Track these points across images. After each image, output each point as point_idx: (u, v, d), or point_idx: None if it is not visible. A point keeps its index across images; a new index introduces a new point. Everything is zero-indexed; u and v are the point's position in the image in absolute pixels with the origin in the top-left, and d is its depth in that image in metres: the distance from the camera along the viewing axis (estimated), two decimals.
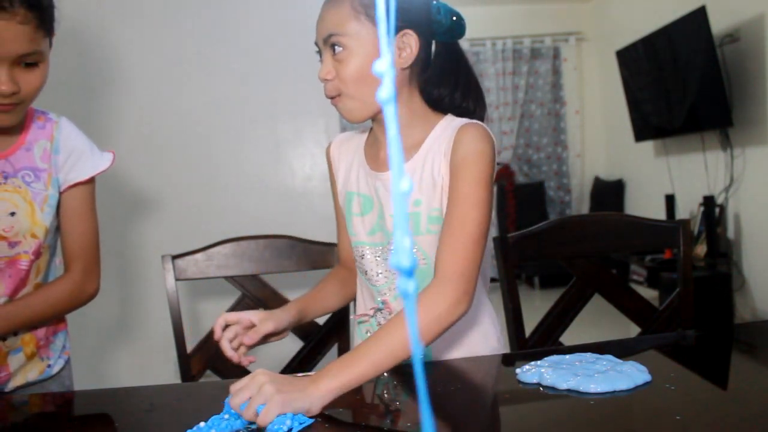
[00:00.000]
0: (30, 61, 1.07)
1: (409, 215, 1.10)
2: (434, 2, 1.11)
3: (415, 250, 1.13)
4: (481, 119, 1.15)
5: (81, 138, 1.24)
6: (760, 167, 3.82)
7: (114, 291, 2.36)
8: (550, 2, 5.97)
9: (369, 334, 1.20)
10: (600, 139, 6.16)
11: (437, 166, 1.09)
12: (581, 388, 0.89)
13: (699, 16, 3.83)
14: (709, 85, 3.88)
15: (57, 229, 1.25)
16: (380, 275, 1.17)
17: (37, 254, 1.20)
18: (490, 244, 1.24)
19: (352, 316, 1.28)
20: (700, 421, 0.81)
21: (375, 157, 1.19)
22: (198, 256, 1.47)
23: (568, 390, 0.90)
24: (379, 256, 1.17)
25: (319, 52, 1.11)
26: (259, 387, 0.85)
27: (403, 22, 1.05)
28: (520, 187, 6.10)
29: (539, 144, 6.19)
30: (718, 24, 3.90)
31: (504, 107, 5.99)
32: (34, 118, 1.21)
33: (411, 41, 1.06)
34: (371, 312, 1.19)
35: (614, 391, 0.88)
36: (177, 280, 1.44)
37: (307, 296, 1.22)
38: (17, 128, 1.18)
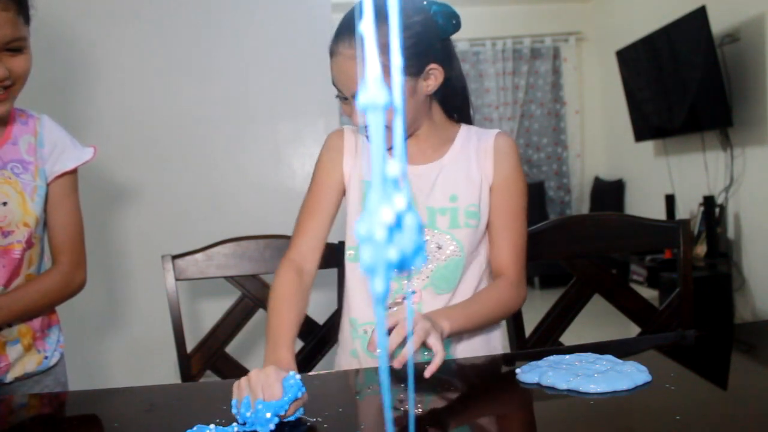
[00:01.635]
0: (14, 47, 1.11)
1: (447, 210, 1.19)
2: (435, 8, 1.15)
3: (450, 241, 1.19)
4: (468, 118, 1.29)
5: (62, 132, 1.28)
6: (760, 167, 3.82)
7: (113, 290, 2.36)
8: (550, 2, 5.97)
9: (367, 334, 1.21)
10: (600, 139, 6.16)
11: (474, 165, 1.21)
12: (581, 388, 0.89)
13: (699, 16, 3.83)
14: (709, 85, 3.88)
15: (45, 221, 1.28)
16: None
17: (29, 243, 1.23)
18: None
19: (352, 316, 1.25)
20: (700, 421, 0.81)
21: None
22: (198, 256, 1.47)
23: (568, 390, 0.90)
24: None
25: (342, 97, 1.16)
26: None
27: (426, 58, 1.13)
28: None
29: (539, 144, 6.18)
30: (718, 24, 3.90)
31: (504, 107, 5.99)
32: (16, 115, 1.25)
33: (436, 73, 1.15)
34: (400, 300, 1.20)
35: (614, 391, 0.88)
36: (177, 280, 1.44)
37: (286, 330, 1.08)
38: (2, 124, 1.22)
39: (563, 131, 6.20)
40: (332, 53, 1.14)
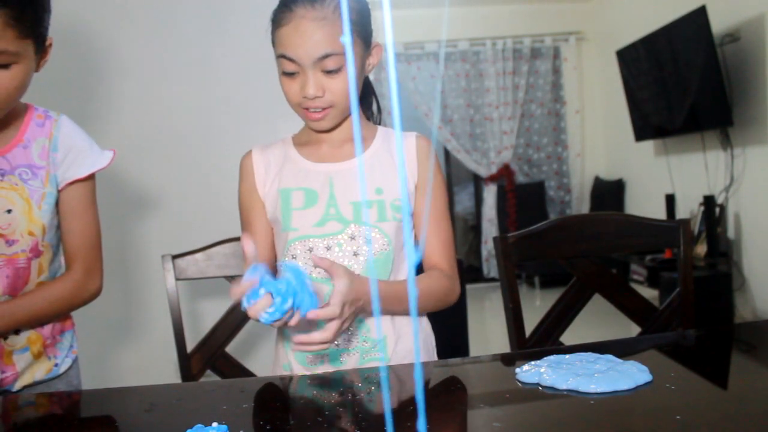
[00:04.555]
0: None
1: (373, 203, 1.17)
2: None
3: (378, 234, 1.17)
4: (380, 120, 1.31)
5: (80, 135, 1.22)
6: (760, 167, 3.82)
7: (115, 291, 2.37)
8: (550, 2, 5.97)
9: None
10: (600, 139, 6.16)
11: (395, 161, 1.20)
12: (581, 388, 0.89)
13: (699, 16, 3.83)
14: (709, 85, 3.88)
15: (59, 227, 1.24)
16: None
17: (36, 252, 1.19)
18: None
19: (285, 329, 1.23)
20: (700, 421, 0.81)
21: (315, 152, 1.23)
22: (198, 256, 1.47)
23: (568, 390, 0.90)
24: (332, 247, 1.17)
25: (290, 72, 1.12)
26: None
27: (371, 34, 1.15)
28: (520, 187, 6.10)
29: (539, 144, 6.18)
30: (718, 24, 3.90)
31: (504, 107, 5.99)
32: (33, 116, 1.19)
33: (378, 50, 1.17)
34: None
35: (615, 391, 0.88)
36: (177, 279, 1.44)
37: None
38: (15, 126, 1.17)
39: (563, 131, 6.20)
40: (287, 20, 1.09)
